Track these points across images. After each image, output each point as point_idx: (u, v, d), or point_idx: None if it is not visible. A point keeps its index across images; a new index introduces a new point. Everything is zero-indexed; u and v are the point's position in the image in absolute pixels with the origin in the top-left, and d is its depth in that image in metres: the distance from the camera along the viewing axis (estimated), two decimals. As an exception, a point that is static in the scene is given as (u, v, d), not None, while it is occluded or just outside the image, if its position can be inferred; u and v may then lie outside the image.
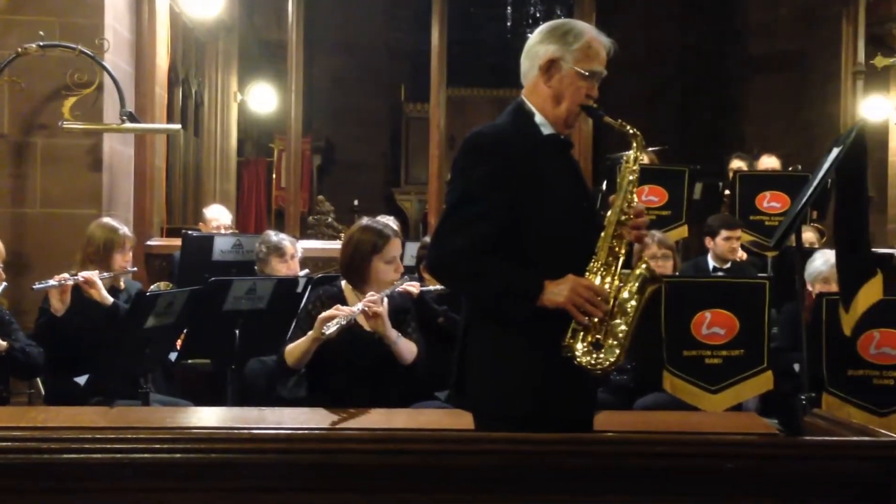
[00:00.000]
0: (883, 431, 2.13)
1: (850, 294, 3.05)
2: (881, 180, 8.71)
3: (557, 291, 2.30)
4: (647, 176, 5.27)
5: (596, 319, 2.31)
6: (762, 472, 2.01)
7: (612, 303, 2.34)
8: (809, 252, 4.78)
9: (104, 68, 5.47)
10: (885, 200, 8.63)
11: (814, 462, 2.04)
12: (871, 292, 3.05)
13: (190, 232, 5.79)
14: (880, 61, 8.12)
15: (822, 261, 4.54)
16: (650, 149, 6.64)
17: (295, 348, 3.50)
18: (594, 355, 2.31)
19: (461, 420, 2.55)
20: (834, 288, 4.00)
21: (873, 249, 3.83)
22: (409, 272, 4.31)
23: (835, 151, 3.07)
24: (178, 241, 5.66)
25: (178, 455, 1.93)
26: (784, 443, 2.41)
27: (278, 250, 4.79)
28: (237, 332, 4.13)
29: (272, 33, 10.40)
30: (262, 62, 10.56)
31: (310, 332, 3.45)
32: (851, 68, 8.12)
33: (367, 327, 3.55)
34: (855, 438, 2.13)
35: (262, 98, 10.25)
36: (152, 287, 5.11)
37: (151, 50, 6.33)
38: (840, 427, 2.27)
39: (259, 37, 10.70)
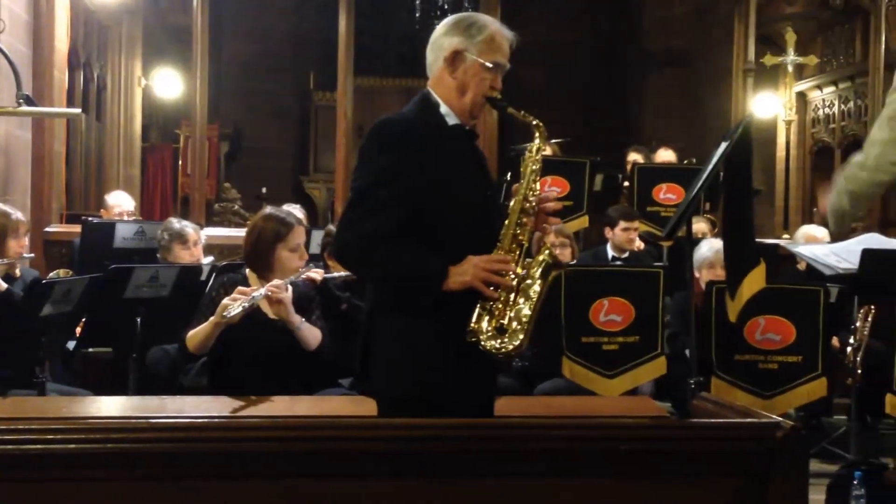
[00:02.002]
0: (765, 413, 2.22)
1: (736, 282, 3.20)
2: (769, 174, 9.06)
3: (462, 271, 2.34)
4: (549, 167, 5.37)
5: (503, 297, 2.36)
6: (653, 453, 2.09)
7: (515, 287, 2.40)
8: (699, 242, 4.96)
9: (-1, 49, 5.28)
10: (773, 193, 8.97)
11: (700, 443, 2.11)
12: (754, 281, 3.19)
13: (90, 218, 5.66)
14: (769, 60, 8.46)
15: (708, 247, 4.69)
16: (552, 141, 6.76)
17: (197, 333, 3.47)
18: (499, 340, 2.35)
19: (364, 406, 2.57)
20: (720, 273, 4.17)
21: (759, 240, 4.02)
22: (315, 260, 4.31)
23: (723, 145, 3.21)
24: (77, 228, 5.52)
25: (73, 446, 1.88)
26: (673, 425, 2.50)
27: (181, 237, 4.72)
28: (138, 319, 4.08)
29: (178, 17, 10.15)
30: (167, 46, 10.32)
31: (212, 318, 3.43)
32: (742, 66, 8.38)
33: (270, 314, 3.55)
34: (739, 420, 2.21)
35: (168, 83, 10.03)
36: (51, 275, 4.97)
37: (50, 32, 6.16)
38: (726, 410, 2.35)
39: (164, 20, 10.45)
